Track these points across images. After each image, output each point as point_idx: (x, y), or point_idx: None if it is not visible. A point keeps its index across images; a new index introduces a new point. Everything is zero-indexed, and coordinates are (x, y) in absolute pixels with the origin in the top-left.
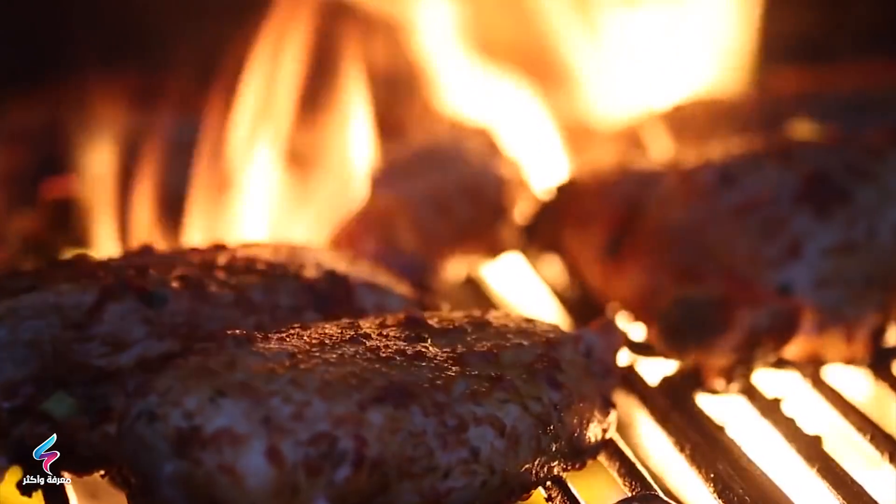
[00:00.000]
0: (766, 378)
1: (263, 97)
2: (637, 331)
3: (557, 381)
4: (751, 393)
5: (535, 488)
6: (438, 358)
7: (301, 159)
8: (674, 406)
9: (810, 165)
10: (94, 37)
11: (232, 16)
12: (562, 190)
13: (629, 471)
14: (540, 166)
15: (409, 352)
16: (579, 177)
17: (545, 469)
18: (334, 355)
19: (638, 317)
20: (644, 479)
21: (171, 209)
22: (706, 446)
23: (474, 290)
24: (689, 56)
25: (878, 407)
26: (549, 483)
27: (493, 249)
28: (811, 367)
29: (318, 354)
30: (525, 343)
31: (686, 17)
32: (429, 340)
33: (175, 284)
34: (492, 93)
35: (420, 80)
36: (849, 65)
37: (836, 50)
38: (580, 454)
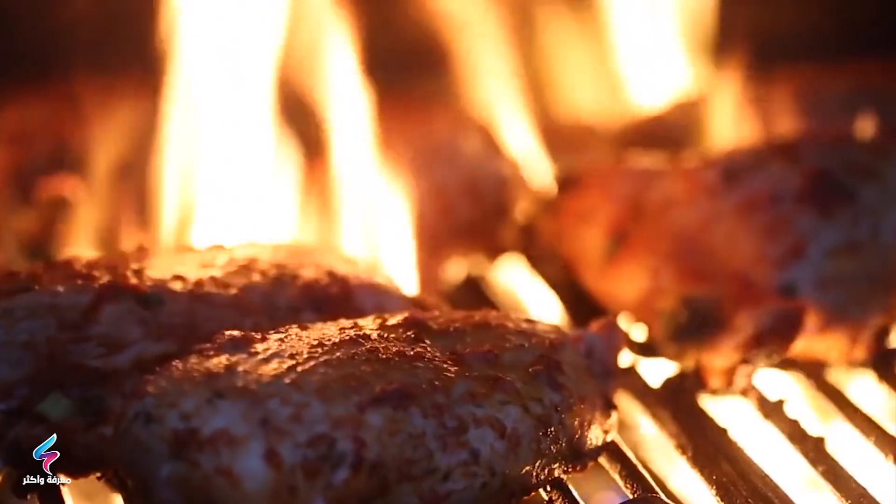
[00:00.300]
0: (769, 379)
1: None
2: (639, 331)
3: (558, 382)
4: (754, 394)
5: (536, 490)
6: (438, 359)
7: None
8: (676, 407)
9: (814, 164)
10: (92, 34)
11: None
12: (562, 189)
13: (631, 473)
14: (540, 165)
15: (408, 353)
16: (580, 176)
17: (546, 471)
18: (333, 357)
19: (639, 317)
20: (646, 481)
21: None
22: (709, 448)
23: (475, 291)
24: (684, 55)
25: (882, 408)
26: (549, 486)
27: (494, 249)
28: (815, 368)
29: (316, 356)
30: (525, 344)
31: (682, 15)
32: (428, 342)
33: (172, 285)
34: (492, 90)
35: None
36: (848, 63)
37: (836, 48)
38: (581, 456)
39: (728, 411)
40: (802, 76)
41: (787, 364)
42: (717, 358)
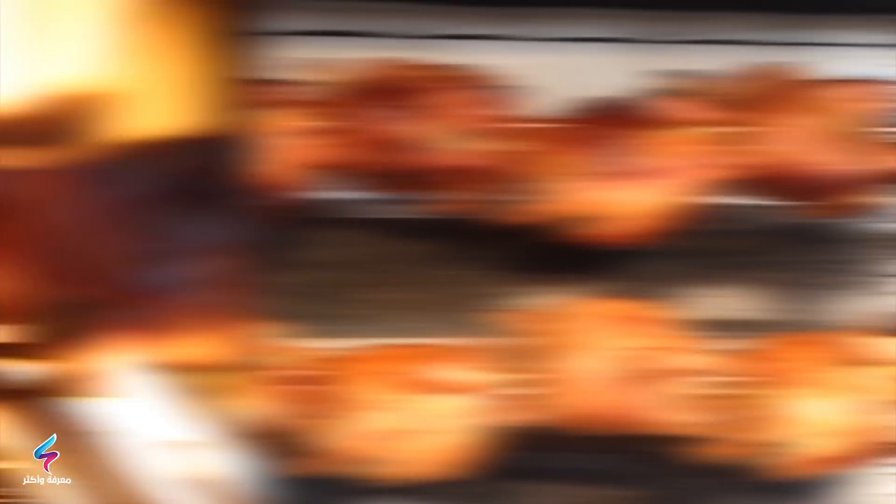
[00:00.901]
0: (140, 381)
1: None
2: (3, 332)
3: None
4: (122, 397)
5: None
6: None
7: None
8: (41, 412)
9: (187, 162)
10: None
11: None
12: None
13: None
14: None
15: None
16: None
17: None
18: None
19: (6, 318)
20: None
21: None
22: (77, 452)
23: None
24: (58, 45)
25: (255, 409)
26: None
27: None
28: (185, 370)
29: None
30: None
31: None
32: None
33: None
34: None
35: None
36: None
37: None
38: None
39: (97, 414)
40: None
41: (157, 366)
42: (86, 360)
